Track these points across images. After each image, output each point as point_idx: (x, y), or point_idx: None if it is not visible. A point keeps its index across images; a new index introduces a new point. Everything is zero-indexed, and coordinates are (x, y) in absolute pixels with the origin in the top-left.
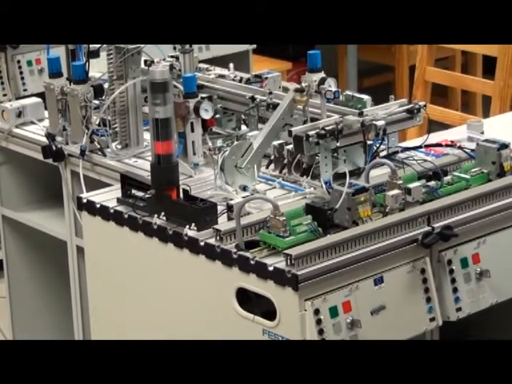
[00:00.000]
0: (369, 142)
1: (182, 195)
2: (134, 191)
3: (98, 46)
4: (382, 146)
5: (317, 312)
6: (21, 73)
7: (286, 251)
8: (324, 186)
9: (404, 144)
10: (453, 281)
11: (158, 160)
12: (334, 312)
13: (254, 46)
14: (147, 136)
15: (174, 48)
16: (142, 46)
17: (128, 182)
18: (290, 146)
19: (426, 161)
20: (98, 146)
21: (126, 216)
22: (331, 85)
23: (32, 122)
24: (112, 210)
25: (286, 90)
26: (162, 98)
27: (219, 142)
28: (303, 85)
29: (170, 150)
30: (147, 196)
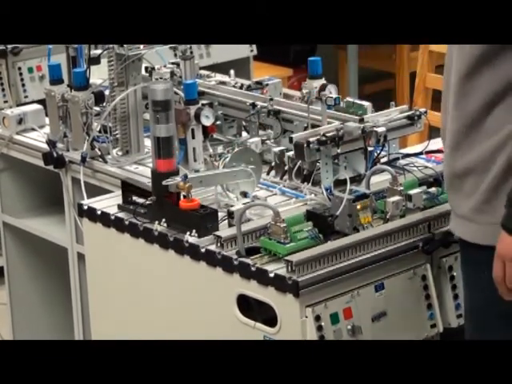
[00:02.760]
0: (369, 149)
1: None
2: (134, 198)
3: (99, 52)
4: (383, 153)
5: (318, 318)
6: (22, 79)
7: (286, 258)
8: (325, 192)
9: (405, 150)
10: (454, 287)
11: None
12: (334, 318)
13: (255, 52)
14: (148, 143)
15: (175, 55)
16: (143, 52)
17: (129, 188)
18: (291, 153)
19: (426, 167)
20: (99, 153)
21: (126, 223)
22: (332, 91)
23: (33, 129)
24: (113, 217)
25: (286, 96)
26: (163, 116)
27: (220, 149)
28: (304, 91)
29: (172, 168)
30: (148, 203)
